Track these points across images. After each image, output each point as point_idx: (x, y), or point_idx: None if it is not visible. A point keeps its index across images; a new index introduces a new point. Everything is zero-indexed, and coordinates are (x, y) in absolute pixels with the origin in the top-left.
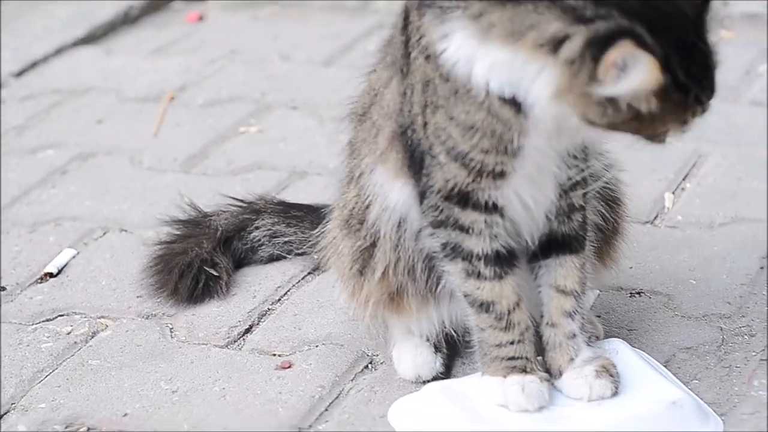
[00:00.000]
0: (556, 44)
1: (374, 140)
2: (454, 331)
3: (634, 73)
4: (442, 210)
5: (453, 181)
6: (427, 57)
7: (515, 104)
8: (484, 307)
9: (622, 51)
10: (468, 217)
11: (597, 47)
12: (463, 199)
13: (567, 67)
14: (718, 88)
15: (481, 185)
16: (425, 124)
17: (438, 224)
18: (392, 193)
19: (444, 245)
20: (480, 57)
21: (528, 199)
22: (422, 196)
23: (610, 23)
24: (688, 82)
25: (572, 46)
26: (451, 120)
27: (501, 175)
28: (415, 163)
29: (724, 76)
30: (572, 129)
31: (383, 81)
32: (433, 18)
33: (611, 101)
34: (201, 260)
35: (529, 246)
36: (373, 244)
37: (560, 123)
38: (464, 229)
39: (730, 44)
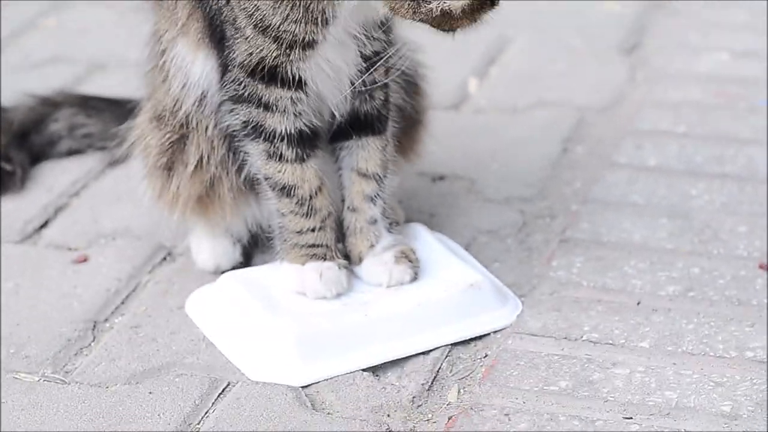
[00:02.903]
0: None
1: (174, 11)
2: (265, 227)
3: None
4: (244, 86)
5: (259, 54)
6: None
7: None
8: (286, 191)
9: None
10: (272, 93)
11: None
12: (269, 74)
13: None
14: None
15: (290, 57)
16: None
17: (239, 99)
18: (195, 66)
19: (245, 123)
20: None
21: (333, 67)
22: (223, 69)
23: None
24: None
25: None
26: None
27: (310, 44)
28: (216, 33)
29: None
30: (373, 11)
31: None
32: None
33: (424, 1)
34: None
35: (332, 125)
36: (184, 136)
37: (365, 4)
38: (267, 107)
39: None
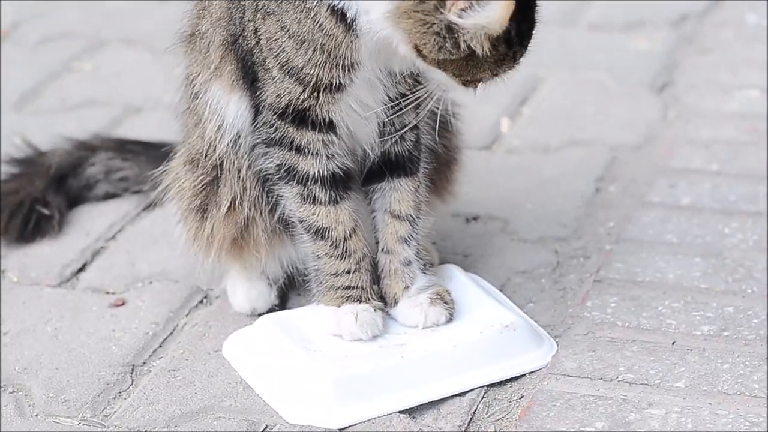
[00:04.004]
0: None
1: (207, 54)
2: (300, 269)
3: (488, 9)
4: (276, 128)
5: (287, 96)
6: None
7: (344, 19)
8: (320, 233)
9: None
10: (303, 136)
11: None
12: (299, 116)
13: None
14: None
15: (319, 101)
16: (256, 31)
17: (272, 143)
18: (229, 107)
19: (279, 166)
20: None
21: (363, 109)
22: (256, 110)
23: None
24: (516, 39)
25: None
26: (283, 30)
27: (339, 88)
28: (249, 74)
29: None
30: (396, 57)
31: None
32: None
33: (451, 34)
34: (33, 199)
35: (365, 167)
36: (217, 177)
37: (386, 49)
38: (299, 150)
39: None
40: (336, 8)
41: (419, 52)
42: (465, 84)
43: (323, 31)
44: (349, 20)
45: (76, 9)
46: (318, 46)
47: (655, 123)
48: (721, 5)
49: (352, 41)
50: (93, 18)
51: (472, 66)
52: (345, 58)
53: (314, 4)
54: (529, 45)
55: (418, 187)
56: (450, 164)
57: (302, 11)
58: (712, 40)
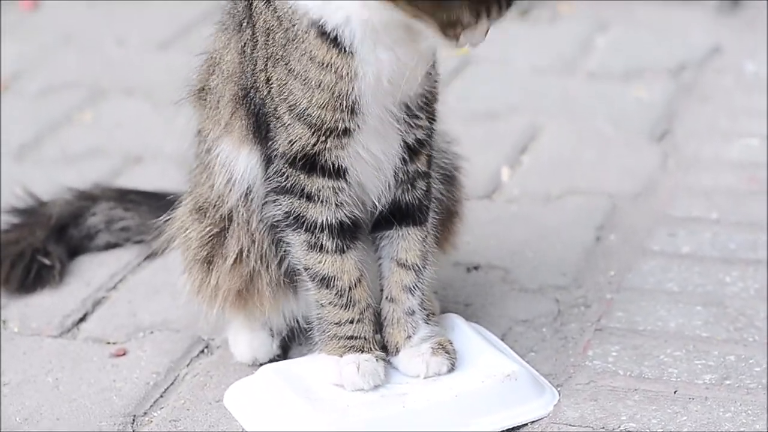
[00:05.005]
0: None
1: (217, 111)
2: (303, 322)
3: None
4: (287, 176)
5: (298, 142)
6: (268, 1)
7: (335, 41)
8: (326, 282)
9: None
10: (314, 183)
11: None
12: (309, 162)
13: None
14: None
15: (327, 145)
16: (268, 80)
17: (282, 191)
18: (239, 162)
19: (287, 214)
20: None
21: (373, 156)
22: (268, 161)
23: None
24: None
25: None
26: (291, 73)
27: (345, 132)
28: (261, 127)
29: (561, 49)
30: (394, 40)
31: (222, 44)
32: None
33: None
34: (33, 249)
35: (373, 215)
36: (224, 229)
37: (381, 36)
38: (309, 197)
39: (568, 18)
40: (321, 27)
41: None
42: (446, 33)
43: (319, 64)
44: (335, 36)
45: (75, 58)
46: (319, 84)
47: (654, 171)
48: (720, 54)
49: (349, 65)
50: (93, 67)
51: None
52: (347, 94)
53: (304, 32)
54: None
55: (426, 237)
56: (452, 216)
57: (299, 49)
58: (711, 88)
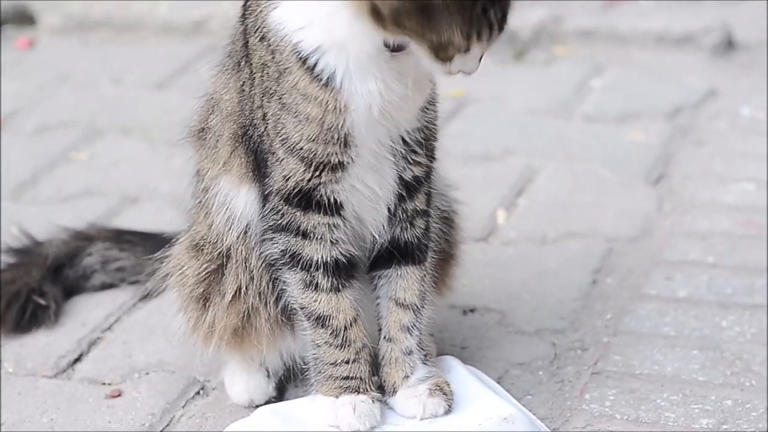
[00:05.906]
0: None
1: (216, 150)
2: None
3: None
4: (283, 214)
5: (293, 178)
6: (262, 37)
7: (321, 74)
8: (321, 321)
9: None
10: (309, 220)
11: None
12: (305, 198)
13: None
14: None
15: (321, 180)
16: (265, 116)
17: (278, 229)
18: (237, 200)
19: (283, 252)
20: (291, 16)
21: (370, 189)
22: (264, 199)
23: None
24: None
25: None
26: (284, 107)
27: (339, 166)
28: (260, 165)
29: (557, 91)
30: (383, 71)
31: (221, 85)
32: None
33: None
34: (29, 289)
35: (371, 254)
36: (222, 266)
37: (368, 65)
38: (305, 235)
39: (563, 60)
40: (305, 59)
41: (376, 14)
42: (438, 55)
43: (305, 96)
44: (320, 67)
45: (71, 97)
46: (307, 117)
47: (651, 214)
48: (716, 98)
49: (336, 98)
50: (89, 106)
51: (435, 19)
52: (338, 127)
53: (291, 62)
54: (506, 11)
55: (424, 276)
56: (449, 259)
57: (288, 81)
58: (707, 132)
